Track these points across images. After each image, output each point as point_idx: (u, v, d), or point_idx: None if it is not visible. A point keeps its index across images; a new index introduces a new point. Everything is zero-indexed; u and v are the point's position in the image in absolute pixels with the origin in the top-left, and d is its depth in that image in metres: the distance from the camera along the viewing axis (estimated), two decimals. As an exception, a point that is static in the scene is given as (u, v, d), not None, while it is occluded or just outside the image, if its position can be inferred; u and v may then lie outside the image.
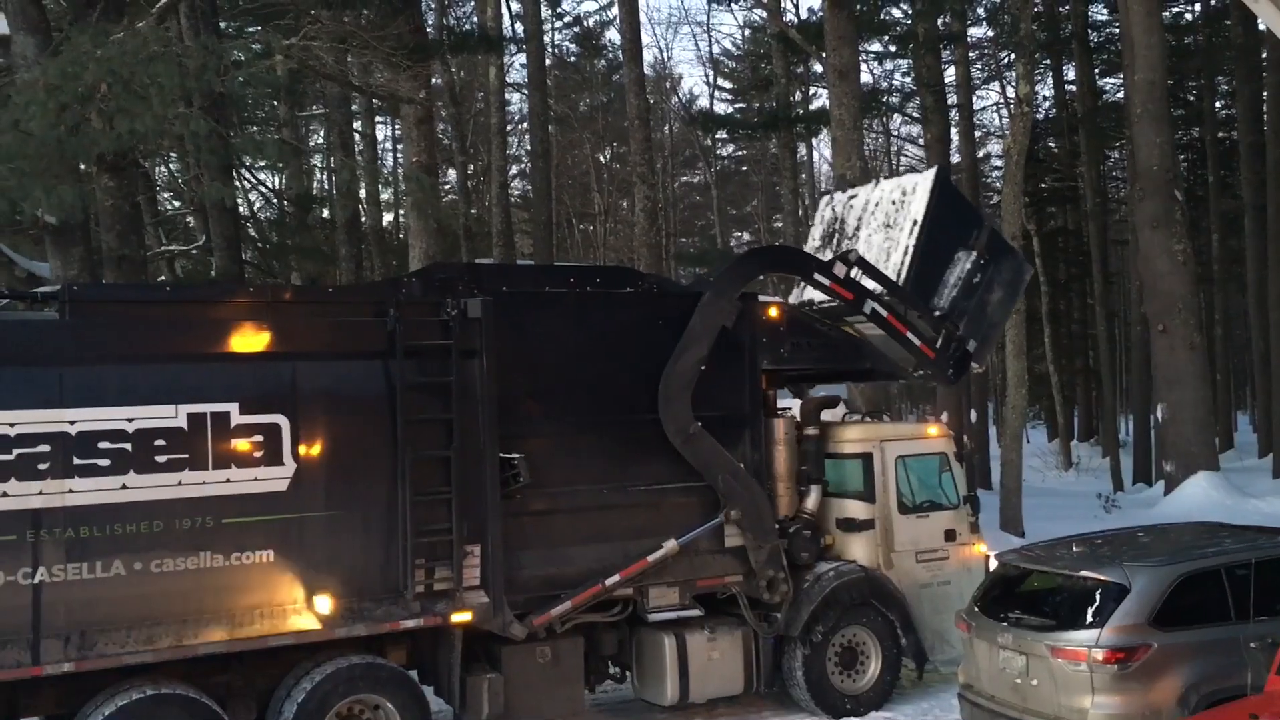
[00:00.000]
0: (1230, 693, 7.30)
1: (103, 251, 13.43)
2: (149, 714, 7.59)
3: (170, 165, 24.12)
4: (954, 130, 33.00)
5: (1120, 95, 34.17)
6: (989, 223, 11.93)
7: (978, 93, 40.07)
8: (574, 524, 9.30)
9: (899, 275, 10.93)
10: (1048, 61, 37.53)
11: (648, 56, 36.38)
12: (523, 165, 39.58)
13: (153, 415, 7.67)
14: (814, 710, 10.23)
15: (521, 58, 32.73)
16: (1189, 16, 37.27)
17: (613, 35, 40.39)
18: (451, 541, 8.53)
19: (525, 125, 36.36)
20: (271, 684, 8.33)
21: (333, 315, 8.62)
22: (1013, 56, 30.67)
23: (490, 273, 10.31)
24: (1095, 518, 19.97)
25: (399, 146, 38.09)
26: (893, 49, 32.79)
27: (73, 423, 7.44)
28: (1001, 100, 42.95)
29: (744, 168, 52.49)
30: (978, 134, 39.17)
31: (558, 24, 39.42)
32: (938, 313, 11.00)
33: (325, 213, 30.38)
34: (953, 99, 32.62)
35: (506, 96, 32.94)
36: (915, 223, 11.10)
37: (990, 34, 35.23)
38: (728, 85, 48.06)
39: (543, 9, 31.69)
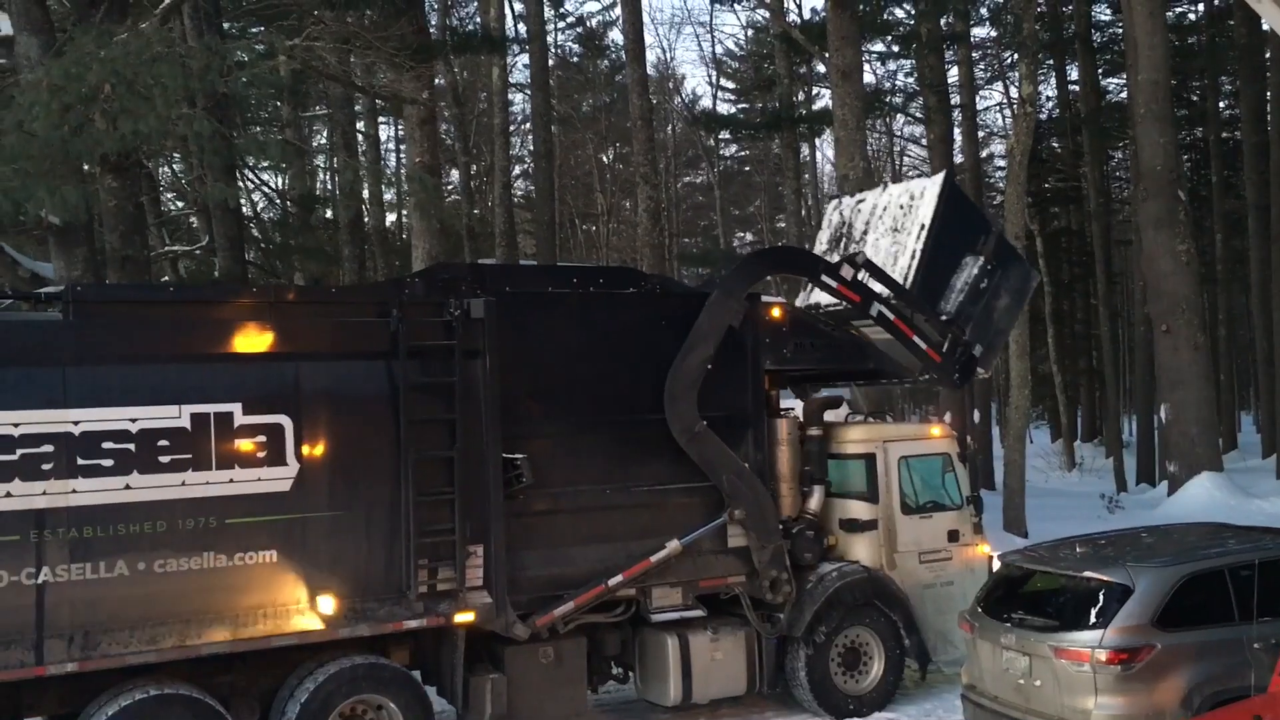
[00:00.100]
0: (1234, 694, 7.28)
1: (106, 252, 13.45)
2: (152, 714, 7.60)
3: (174, 166, 24.13)
4: (957, 130, 33.03)
5: (1123, 95, 34.12)
6: (997, 228, 11.93)
7: (981, 93, 40.10)
8: (577, 524, 9.30)
9: (906, 279, 10.92)
10: (1051, 62, 37.48)
11: (651, 57, 36.38)
12: (526, 165, 39.55)
13: (156, 415, 7.69)
14: (817, 711, 10.22)
15: (524, 58, 32.70)
16: (1192, 16, 37.20)
17: (615, 35, 40.48)
18: (454, 542, 8.53)
19: (528, 125, 36.34)
20: (275, 684, 8.33)
21: (336, 316, 8.62)
22: (1016, 56, 30.64)
23: (493, 273, 10.30)
24: (1099, 518, 19.95)
25: (402, 147, 38.10)
26: (896, 49, 32.82)
27: (76, 423, 7.45)
28: (1005, 100, 43.07)
29: (747, 168, 52.48)
30: (981, 134, 39.25)
31: (561, 24, 39.45)
32: (944, 317, 10.99)
33: (328, 213, 30.42)
34: (956, 99, 32.60)
35: (509, 97, 33.00)
36: (923, 227, 11.10)
37: (993, 34, 35.24)
38: (730, 85, 48.09)
39: (546, 9, 31.73)
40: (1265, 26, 24.49)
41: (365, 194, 29.71)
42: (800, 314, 11.16)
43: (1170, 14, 32.58)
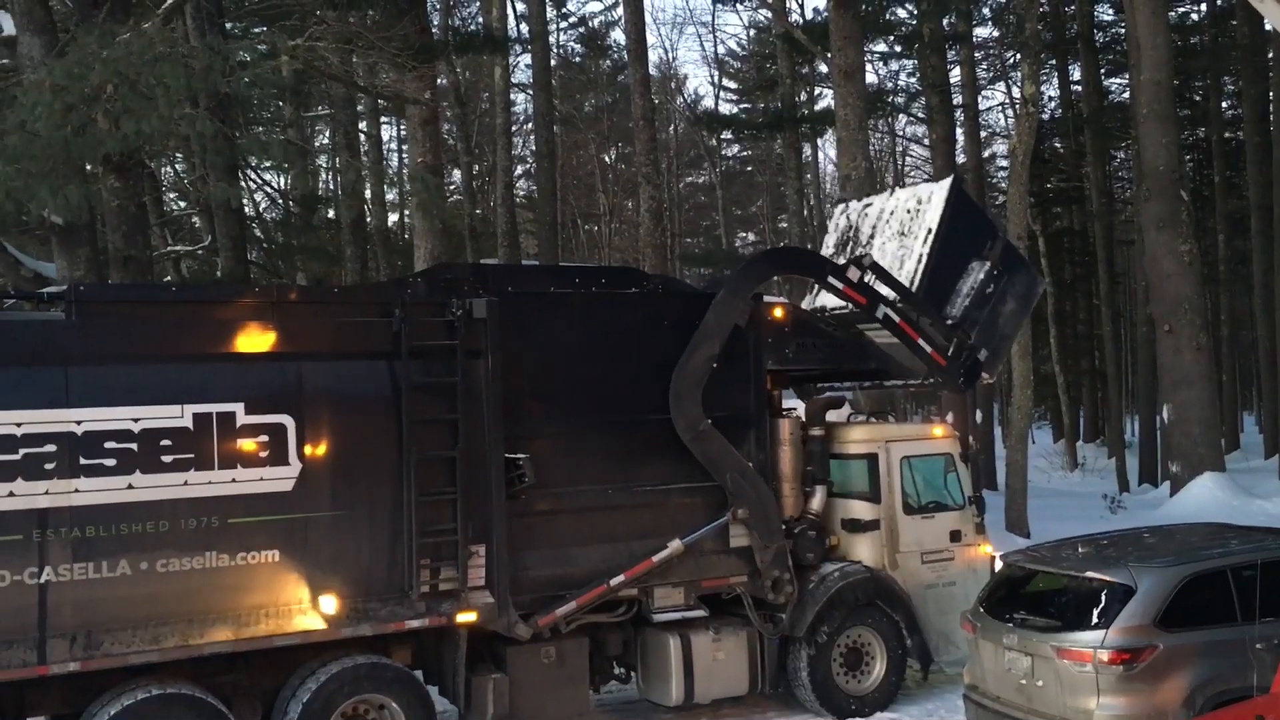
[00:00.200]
0: (1236, 694, 7.28)
1: (108, 252, 13.46)
2: (155, 713, 7.61)
3: (176, 166, 24.17)
4: (959, 130, 32.95)
5: (1126, 95, 34.14)
6: (1003, 234, 11.94)
7: (983, 93, 40.05)
8: (579, 524, 9.30)
9: (912, 282, 10.93)
10: (1053, 62, 37.42)
11: (653, 57, 36.30)
12: (528, 166, 39.55)
13: (159, 415, 7.69)
14: (819, 711, 10.22)
15: (526, 58, 32.72)
16: (1195, 16, 37.17)
17: (618, 36, 40.52)
18: (456, 542, 8.54)
19: (530, 126, 36.34)
20: (277, 684, 8.34)
21: (338, 316, 8.62)
22: (1018, 57, 30.56)
23: (495, 273, 10.32)
24: (1101, 518, 19.93)
25: (404, 147, 38.14)
26: (898, 49, 32.82)
27: (79, 423, 7.46)
28: (1007, 100, 42.99)
29: (749, 168, 52.48)
30: (983, 134, 39.17)
31: (563, 24, 39.51)
32: (950, 321, 10.99)
33: (330, 213, 30.47)
34: (958, 99, 32.59)
35: (511, 97, 32.99)
36: (930, 231, 11.10)
37: (996, 34, 35.26)
38: (733, 85, 48.14)
39: (548, 9, 31.74)
40: (1268, 26, 24.48)
41: (367, 194, 29.80)
42: (802, 314, 11.16)
43: (1173, 14, 32.60)
